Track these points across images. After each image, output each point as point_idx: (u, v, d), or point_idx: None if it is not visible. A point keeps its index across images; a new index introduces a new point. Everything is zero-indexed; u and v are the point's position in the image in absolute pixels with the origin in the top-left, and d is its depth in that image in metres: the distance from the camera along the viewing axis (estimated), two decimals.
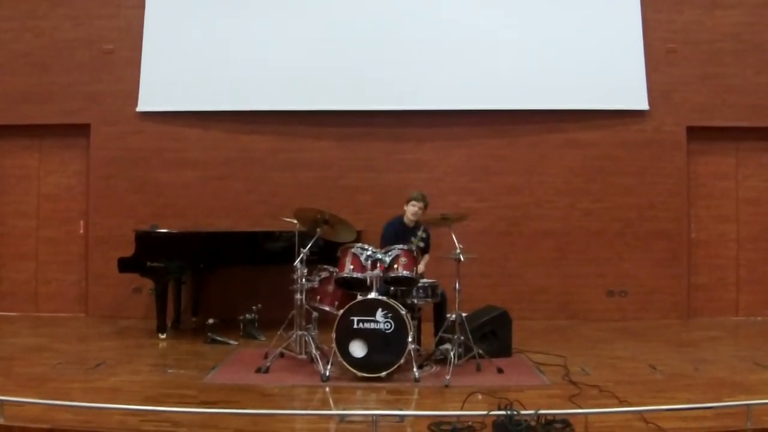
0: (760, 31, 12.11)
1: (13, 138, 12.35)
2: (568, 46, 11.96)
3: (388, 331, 7.71)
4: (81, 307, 12.21)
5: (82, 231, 12.25)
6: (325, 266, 8.63)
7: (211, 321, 10.07)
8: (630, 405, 6.64)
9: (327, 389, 7.54)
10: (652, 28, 12.04)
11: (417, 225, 9.09)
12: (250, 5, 12.06)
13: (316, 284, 8.53)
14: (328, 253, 9.44)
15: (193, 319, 11.53)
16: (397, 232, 9.08)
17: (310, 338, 8.38)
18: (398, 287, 8.35)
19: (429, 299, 8.51)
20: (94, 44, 12.17)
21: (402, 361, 7.72)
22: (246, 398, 7.08)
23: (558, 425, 5.84)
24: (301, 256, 8.39)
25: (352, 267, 8.16)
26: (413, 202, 9.16)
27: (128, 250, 10.24)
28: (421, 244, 8.63)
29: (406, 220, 9.24)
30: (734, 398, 6.88)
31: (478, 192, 12.04)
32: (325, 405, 7.09)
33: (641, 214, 12.05)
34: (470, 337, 8.39)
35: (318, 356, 8.07)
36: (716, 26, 12.12)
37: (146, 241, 10.20)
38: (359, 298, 7.93)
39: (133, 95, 12.04)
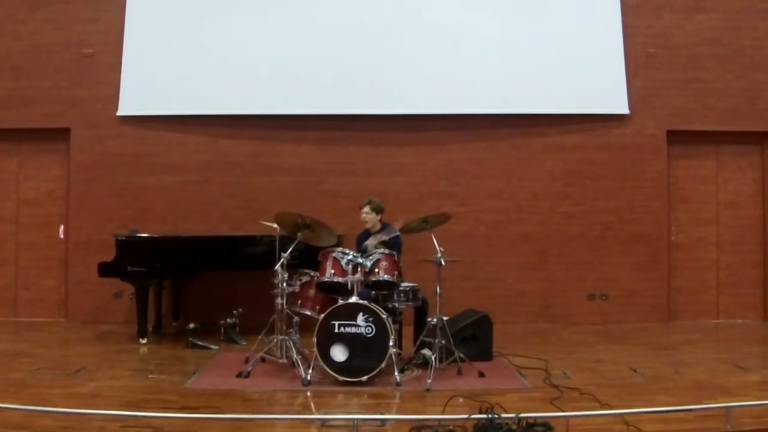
0: (740, 36, 12.20)
1: None
2: (549, 50, 11.99)
3: (369, 336, 7.71)
4: (61, 312, 12.14)
5: (62, 236, 12.18)
6: (306, 270, 8.61)
7: (191, 326, 10.05)
8: (611, 408, 6.66)
9: (308, 394, 7.53)
10: (632, 33, 12.11)
11: (384, 227, 9.16)
12: (230, 10, 12.04)
13: (297, 288, 8.50)
14: (308, 258, 9.46)
15: (174, 324, 11.48)
16: (364, 240, 9.12)
17: (291, 343, 8.36)
18: (379, 291, 8.36)
19: (410, 303, 8.52)
20: (74, 48, 12.12)
21: (383, 365, 7.71)
22: (227, 403, 7.06)
23: (539, 428, 5.84)
24: (282, 260, 8.37)
25: (333, 271, 8.14)
26: (360, 212, 9.21)
27: (108, 255, 10.20)
28: (381, 248, 8.72)
29: (371, 231, 9.26)
30: (714, 401, 6.91)
31: (458, 196, 12.05)
32: (306, 409, 7.08)
33: (622, 217, 12.10)
34: (451, 340, 8.40)
35: (299, 361, 8.05)
36: (696, 31, 12.20)
37: (127, 245, 10.15)
38: (340, 302, 7.93)
39: (114, 99, 12.00)
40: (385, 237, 8.95)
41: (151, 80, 11.98)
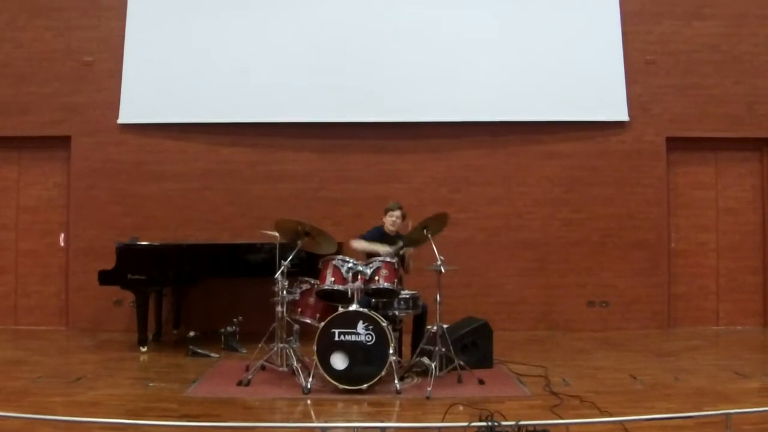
0: (738, 42, 12.21)
1: None
2: (548, 58, 12.01)
3: (369, 343, 7.71)
4: (61, 320, 12.15)
5: (62, 243, 12.18)
6: (306, 278, 8.65)
7: (192, 334, 10.09)
8: (611, 415, 6.67)
9: (308, 402, 7.53)
10: (631, 40, 12.13)
11: (398, 234, 9.15)
12: (231, 18, 12.06)
13: (297, 296, 8.53)
14: (309, 265, 9.47)
15: (174, 332, 11.47)
16: (378, 238, 9.10)
17: (292, 351, 8.36)
18: (379, 299, 8.38)
19: (410, 311, 8.55)
20: (75, 55, 12.13)
21: (383, 373, 7.73)
22: (227, 411, 7.06)
23: None
24: (282, 268, 8.37)
25: (333, 279, 8.18)
26: (390, 212, 9.20)
27: (109, 263, 10.21)
28: (401, 252, 8.80)
29: (386, 230, 9.25)
30: (714, 407, 6.92)
31: (458, 203, 12.06)
32: (306, 417, 7.08)
33: (621, 224, 12.10)
34: (451, 348, 8.41)
35: (299, 369, 8.05)
36: (694, 37, 12.22)
37: (127, 253, 10.17)
38: (340, 310, 7.95)
39: (114, 107, 12.01)
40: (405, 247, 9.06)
41: (151, 88, 11.99)
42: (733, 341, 11.17)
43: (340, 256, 8.42)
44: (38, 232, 12.27)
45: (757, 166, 12.49)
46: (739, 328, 12.21)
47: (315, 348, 7.76)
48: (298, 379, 7.93)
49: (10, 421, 6.34)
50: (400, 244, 8.93)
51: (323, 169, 12.11)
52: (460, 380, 8.23)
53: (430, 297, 8.47)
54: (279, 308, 8.51)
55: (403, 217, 9.25)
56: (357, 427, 6.08)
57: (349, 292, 8.08)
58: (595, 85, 12.00)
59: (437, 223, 8.64)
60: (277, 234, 9.09)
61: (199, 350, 9.87)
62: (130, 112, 12.03)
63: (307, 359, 8.41)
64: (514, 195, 12.16)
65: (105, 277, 10.15)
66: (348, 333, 7.74)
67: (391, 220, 9.20)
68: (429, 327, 8.64)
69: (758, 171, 12.49)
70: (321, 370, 7.75)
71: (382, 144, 12.14)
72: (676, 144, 12.22)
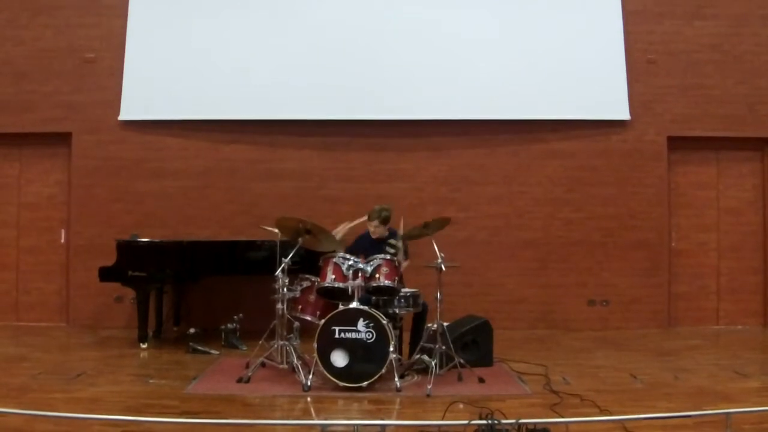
0: (740, 42, 12.21)
1: None
2: (550, 56, 12.00)
3: (369, 341, 7.71)
4: (62, 317, 12.14)
5: (63, 240, 12.18)
6: (307, 276, 8.65)
7: (192, 331, 10.06)
8: (611, 414, 6.67)
9: (308, 399, 7.54)
10: (633, 39, 12.12)
11: (392, 232, 9.18)
12: (232, 16, 12.05)
13: (297, 294, 8.54)
14: (309, 263, 9.48)
15: (175, 329, 11.46)
16: (367, 245, 9.14)
17: (292, 348, 8.37)
18: (380, 297, 8.38)
19: (411, 309, 8.53)
20: (76, 53, 12.11)
21: (383, 370, 7.74)
22: (227, 408, 7.06)
23: None
24: (283, 265, 8.37)
25: (333, 276, 8.17)
26: (368, 223, 9.22)
27: (109, 260, 10.20)
28: (392, 251, 8.81)
29: (372, 236, 9.26)
30: (714, 407, 6.91)
31: (458, 202, 12.06)
32: (306, 415, 7.08)
33: (622, 223, 12.10)
34: (451, 346, 8.40)
35: (299, 366, 8.06)
36: (696, 37, 12.21)
37: (128, 250, 10.17)
38: (341, 307, 7.94)
39: (115, 104, 11.99)
40: (398, 243, 9.04)
41: (152, 85, 11.98)
42: (733, 341, 11.17)
43: (341, 254, 8.42)
44: (39, 229, 12.26)
45: (758, 166, 12.49)
46: (740, 327, 12.21)
47: (315, 345, 7.76)
48: (299, 377, 7.94)
49: (10, 417, 6.34)
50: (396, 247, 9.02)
51: (324, 167, 12.10)
52: (460, 378, 8.23)
53: (431, 295, 8.47)
54: (279, 305, 8.51)
55: (386, 220, 9.18)
56: (357, 425, 6.06)
57: (350, 290, 8.08)
58: (597, 85, 11.99)
59: (438, 223, 8.64)
60: (276, 231, 9.10)
61: (200, 347, 9.87)
62: (130, 109, 12.01)
63: (307, 356, 8.41)
64: (514, 194, 12.15)
65: (105, 274, 10.15)
66: (348, 330, 7.74)
67: (371, 230, 9.22)
68: (429, 325, 8.63)
69: (759, 171, 12.48)
70: (321, 368, 7.75)
71: (382, 142, 12.14)
72: (677, 143, 12.22)
